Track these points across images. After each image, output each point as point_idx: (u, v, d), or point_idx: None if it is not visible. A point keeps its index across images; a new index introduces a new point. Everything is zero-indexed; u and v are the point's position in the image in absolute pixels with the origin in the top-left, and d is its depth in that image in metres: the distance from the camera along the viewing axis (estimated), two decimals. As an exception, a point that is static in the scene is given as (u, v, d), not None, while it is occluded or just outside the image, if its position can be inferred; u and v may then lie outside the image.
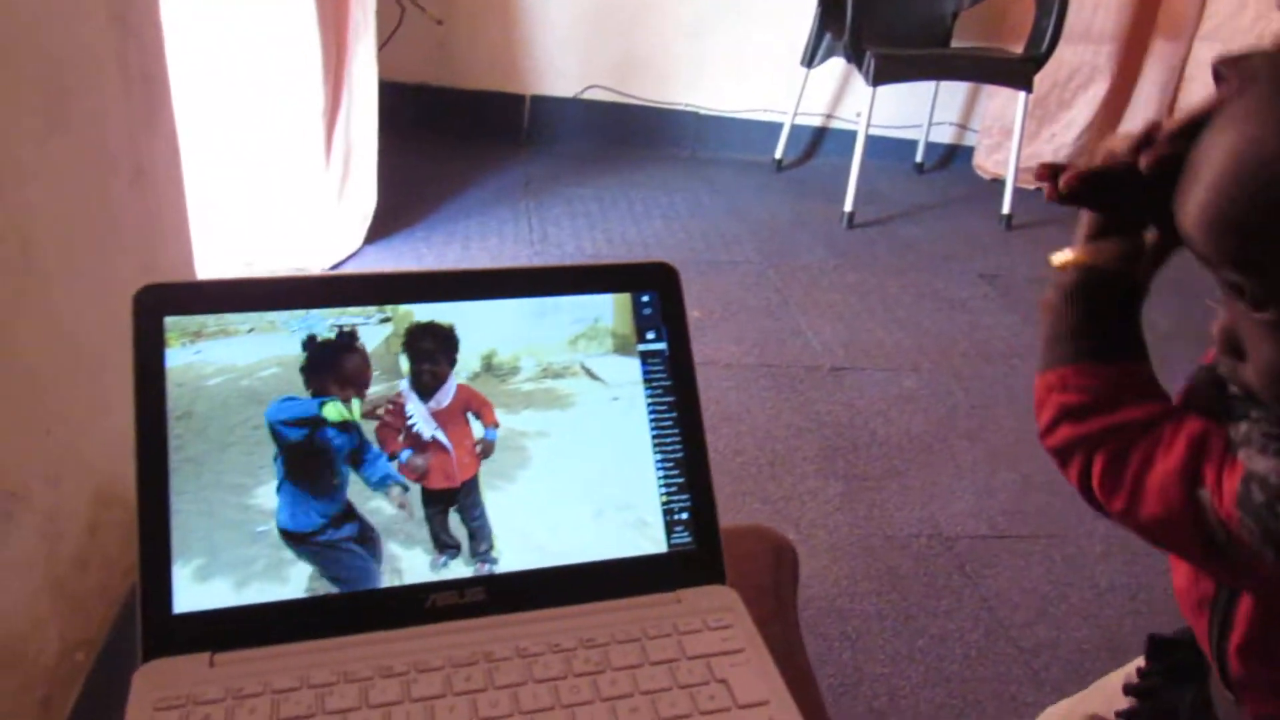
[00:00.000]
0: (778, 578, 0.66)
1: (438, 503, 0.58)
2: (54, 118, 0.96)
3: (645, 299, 0.65)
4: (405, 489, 0.58)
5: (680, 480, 0.63)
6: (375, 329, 0.59)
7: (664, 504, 0.62)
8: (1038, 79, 2.88)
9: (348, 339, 0.58)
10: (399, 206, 2.55)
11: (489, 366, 0.60)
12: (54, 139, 0.96)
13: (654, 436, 0.63)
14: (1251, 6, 3.16)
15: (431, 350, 0.59)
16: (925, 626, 1.37)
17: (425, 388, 0.59)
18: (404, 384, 0.59)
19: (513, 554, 0.59)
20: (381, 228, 2.38)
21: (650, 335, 0.65)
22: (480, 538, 0.59)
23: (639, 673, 0.55)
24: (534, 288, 0.63)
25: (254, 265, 2.09)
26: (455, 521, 0.58)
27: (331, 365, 0.58)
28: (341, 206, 2.22)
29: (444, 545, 0.58)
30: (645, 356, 0.64)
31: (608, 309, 0.63)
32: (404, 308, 0.59)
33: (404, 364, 0.60)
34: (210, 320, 0.57)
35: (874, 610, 1.39)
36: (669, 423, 0.63)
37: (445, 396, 0.59)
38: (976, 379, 2.06)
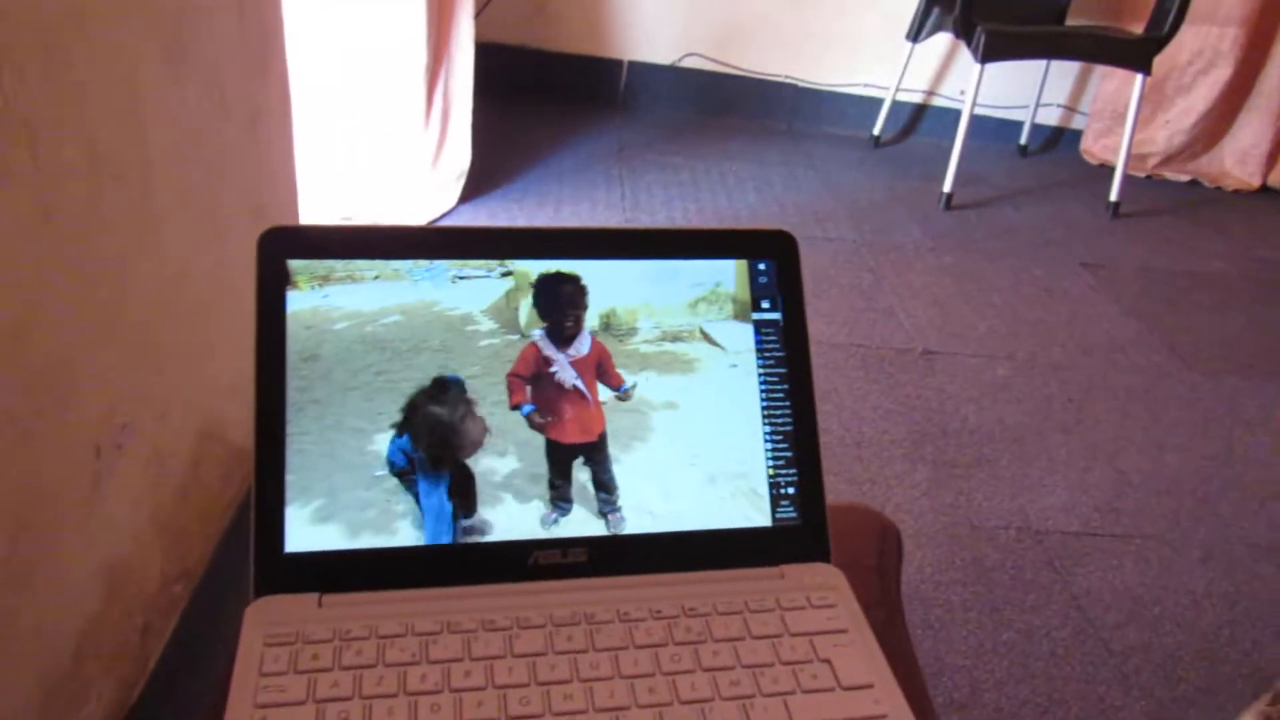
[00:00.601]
0: (882, 560, 0.64)
1: (565, 457, 0.58)
2: (175, 61, 0.97)
3: (762, 267, 0.64)
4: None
5: (788, 454, 0.61)
6: (496, 282, 0.58)
7: (771, 477, 0.61)
8: (1156, 61, 2.76)
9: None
10: (493, 167, 2.56)
11: (607, 325, 0.60)
12: (175, 82, 0.97)
13: (764, 408, 0.62)
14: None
15: (570, 297, 0.59)
16: (1011, 620, 1.34)
17: (563, 338, 0.59)
18: (538, 333, 0.59)
19: (629, 515, 0.58)
20: (475, 188, 2.39)
21: (765, 304, 0.64)
22: (609, 495, 0.58)
23: (740, 645, 0.54)
24: (652, 249, 0.62)
25: (351, 218, 2.12)
26: (582, 479, 0.58)
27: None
28: (438, 165, 2.23)
29: (561, 501, 0.58)
30: (759, 326, 0.63)
31: (729, 274, 0.62)
32: (523, 264, 0.59)
33: (523, 316, 0.59)
34: (338, 265, 0.57)
35: (958, 600, 1.36)
36: (780, 394, 0.62)
37: (583, 346, 0.59)
38: (1074, 370, 2.00)
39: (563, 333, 0.59)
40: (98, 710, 0.89)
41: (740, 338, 0.62)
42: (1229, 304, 2.37)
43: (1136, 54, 2.72)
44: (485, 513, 0.57)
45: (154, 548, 0.98)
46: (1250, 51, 3.10)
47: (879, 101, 3.24)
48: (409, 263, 0.58)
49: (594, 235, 0.62)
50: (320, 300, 0.58)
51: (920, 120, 3.40)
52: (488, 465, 0.57)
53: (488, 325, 0.60)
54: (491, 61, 3.06)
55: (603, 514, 0.59)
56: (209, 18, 1.07)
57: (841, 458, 1.63)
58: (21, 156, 0.70)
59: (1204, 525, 1.58)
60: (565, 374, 0.60)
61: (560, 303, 0.59)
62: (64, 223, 0.76)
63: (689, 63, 3.23)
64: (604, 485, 0.59)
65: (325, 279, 0.58)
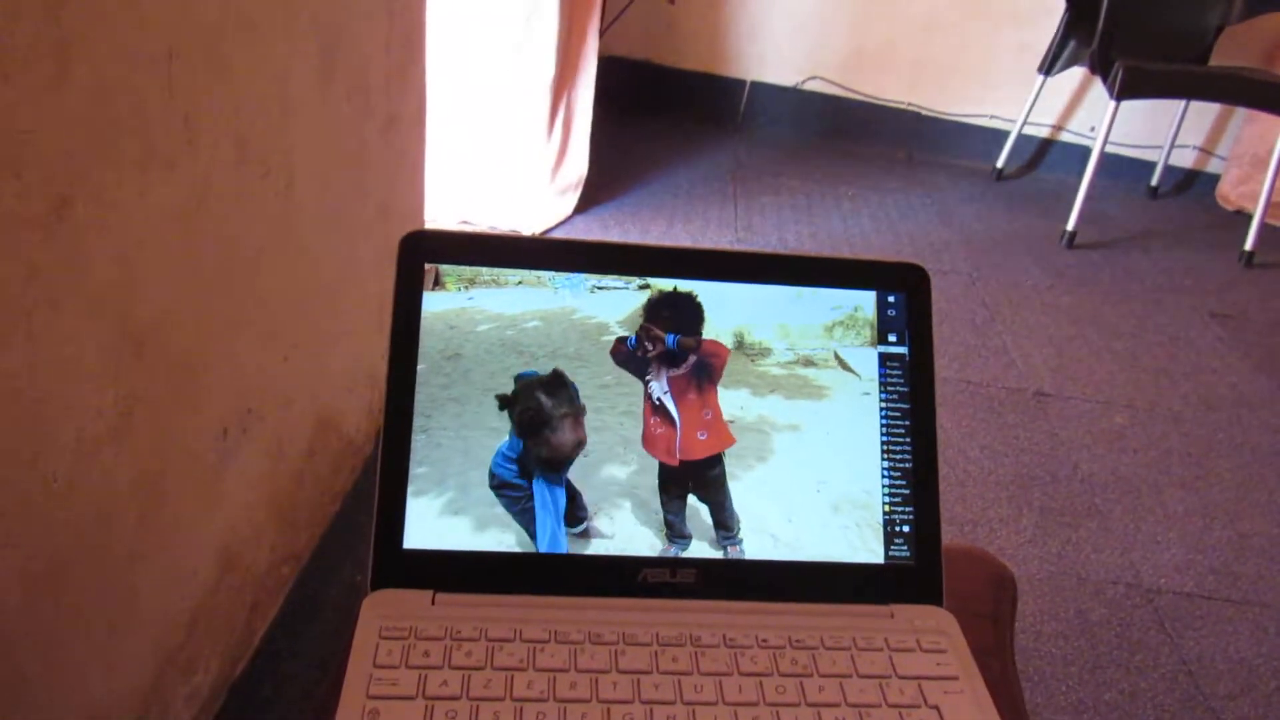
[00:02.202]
0: (997, 608, 0.62)
1: (670, 481, 0.58)
2: (327, 66, 1.01)
3: (891, 299, 0.63)
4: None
5: (906, 491, 0.60)
6: (633, 294, 0.59)
7: (886, 513, 0.60)
8: (1305, 108, 2.63)
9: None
10: (611, 179, 2.59)
11: (740, 345, 0.60)
12: (323, 85, 1.01)
13: (884, 442, 0.61)
14: None
15: (677, 315, 0.60)
16: (1115, 680, 1.29)
17: (669, 356, 0.59)
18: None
19: (749, 536, 0.58)
20: (591, 198, 2.42)
21: (892, 337, 0.63)
22: (728, 530, 0.58)
23: (847, 683, 0.53)
24: (781, 275, 0.62)
25: (470, 223, 2.17)
26: (692, 502, 0.58)
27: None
28: (558, 175, 2.27)
29: (673, 521, 0.58)
30: (885, 359, 0.62)
31: (869, 298, 0.62)
32: (660, 280, 0.60)
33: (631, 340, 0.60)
34: (485, 270, 0.59)
35: (1060, 654, 1.31)
36: (901, 430, 0.61)
37: (682, 367, 0.60)
38: (1197, 425, 1.91)
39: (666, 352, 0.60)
40: (205, 681, 0.92)
41: (876, 365, 0.61)
42: (1371, 367, 2.24)
43: (1284, 98, 2.59)
44: (603, 524, 0.58)
45: (267, 529, 1.01)
46: None
47: (1004, 134, 3.16)
48: (549, 272, 0.59)
49: (724, 257, 0.62)
50: (465, 302, 0.59)
51: (1046, 155, 3.31)
52: (609, 474, 0.58)
53: (621, 335, 0.61)
54: (616, 76, 3.10)
55: (721, 544, 0.58)
56: (362, 25, 1.11)
57: (945, 496, 1.58)
58: (182, 147, 0.73)
59: (1331, 599, 1.49)
60: (655, 386, 0.60)
61: (665, 321, 0.59)
62: (213, 212, 0.80)
63: (811, 86, 3.22)
64: (722, 522, 0.58)
65: (471, 281, 0.60)
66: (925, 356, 0.63)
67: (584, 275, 0.61)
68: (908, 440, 0.61)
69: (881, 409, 0.61)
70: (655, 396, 0.60)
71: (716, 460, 0.59)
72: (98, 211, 0.65)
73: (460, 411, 0.58)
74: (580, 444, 0.58)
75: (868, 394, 0.61)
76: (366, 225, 1.21)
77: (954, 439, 1.75)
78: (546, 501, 0.58)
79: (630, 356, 0.60)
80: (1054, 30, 2.91)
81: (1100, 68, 2.58)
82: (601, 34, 2.99)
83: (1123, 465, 1.75)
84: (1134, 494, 1.67)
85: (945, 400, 1.87)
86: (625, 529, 0.58)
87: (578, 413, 0.58)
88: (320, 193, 1.04)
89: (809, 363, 0.62)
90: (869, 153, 3.23)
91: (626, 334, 0.60)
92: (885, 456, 0.61)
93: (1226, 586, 1.49)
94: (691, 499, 0.59)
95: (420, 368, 0.58)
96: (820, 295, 0.62)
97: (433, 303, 0.59)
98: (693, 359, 0.60)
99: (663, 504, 0.58)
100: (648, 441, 0.59)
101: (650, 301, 0.60)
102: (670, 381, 0.60)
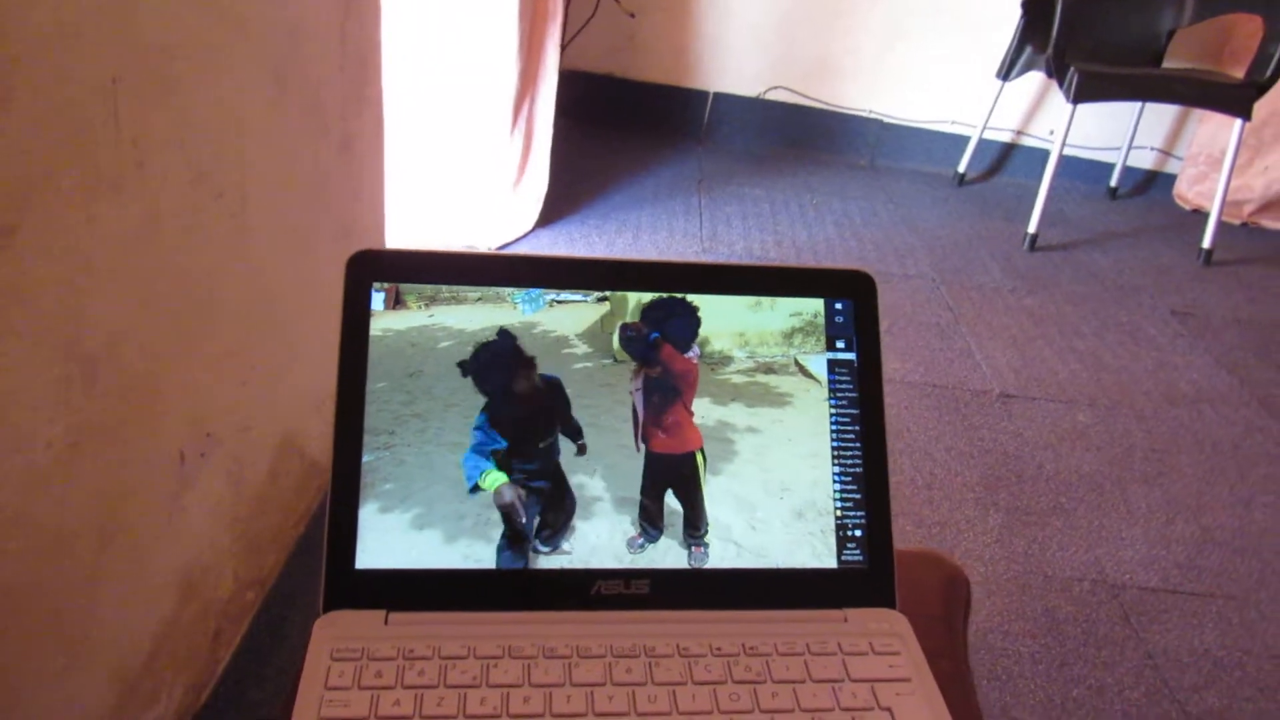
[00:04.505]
0: (950, 609, 0.63)
1: (660, 473, 0.59)
2: (280, 86, 1.01)
3: (839, 306, 0.64)
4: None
5: (857, 496, 0.61)
6: (592, 307, 0.60)
7: (838, 518, 0.60)
8: (1256, 106, 2.68)
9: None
10: (575, 192, 2.60)
11: (700, 354, 0.61)
12: (277, 106, 1.01)
13: (834, 448, 0.61)
14: None
15: (676, 319, 0.61)
16: (1082, 676, 1.30)
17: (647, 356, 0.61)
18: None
19: (714, 544, 0.59)
20: (556, 212, 2.43)
21: (840, 344, 0.63)
22: (696, 529, 0.59)
23: (800, 688, 0.53)
24: (730, 285, 0.63)
25: (431, 240, 2.16)
26: (675, 507, 0.59)
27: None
28: (519, 189, 2.27)
29: (649, 525, 0.58)
30: (833, 365, 0.63)
31: (818, 306, 0.63)
32: (618, 293, 0.61)
33: (617, 340, 0.61)
34: (444, 287, 0.59)
35: (1027, 652, 1.32)
36: (851, 435, 0.62)
37: (656, 368, 0.61)
38: (1159, 421, 1.94)
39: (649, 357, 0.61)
40: (167, 711, 0.92)
41: (825, 372, 0.62)
42: (1327, 359, 2.28)
43: (1236, 99, 2.64)
44: (575, 539, 0.58)
45: (229, 555, 1.01)
46: (1358, 98, 2.99)
47: (965, 139, 3.20)
48: (509, 288, 0.60)
49: (679, 269, 0.63)
50: (426, 319, 0.60)
51: (1007, 159, 3.35)
52: (579, 483, 0.58)
53: (583, 349, 0.61)
54: (578, 89, 3.11)
55: (687, 545, 0.59)
56: (314, 45, 1.11)
57: (911, 499, 1.61)
58: (129, 170, 0.73)
59: (1292, 589, 1.51)
60: (639, 396, 0.61)
61: (667, 323, 0.61)
62: (165, 235, 0.79)
63: (774, 95, 3.24)
64: (692, 522, 0.59)
65: (432, 299, 0.60)
66: (873, 362, 0.64)
67: (542, 290, 0.61)
68: (858, 445, 0.62)
69: (832, 415, 0.62)
70: (640, 404, 0.61)
71: (689, 459, 0.60)
72: (43, 238, 0.64)
73: (424, 428, 0.58)
74: (535, 392, 0.59)
75: (828, 400, 0.62)
76: (326, 245, 1.20)
77: (920, 442, 1.76)
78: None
79: (627, 343, 0.60)
80: (1011, 37, 2.95)
81: (1056, 73, 2.62)
82: (563, 48, 3.01)
83: (1086, 463, 1.77)
84: (1098, 491, 1.69)
85: (911, 403, 1.88)
86: (591, 539, 0.58)
87: (528, 363, 0.59)
88: (277, 214, 1.04)
89: (769, 370, 0.62)
90: (832, 160, 3.26)
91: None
92: (836, 462, 0.61)
93: (1190, 580, 1.51)
94: (669, 499, 0.60)
95: (381, 386, 0.59)
96: (778, 304, 0.63)
97: (394, 321, 0.60)
98: (660, 366, 0.61)
99: (644, 503, 0.59)
100: (645, 439, 0.60)
101: (646, 308, 0.61)
102: (644, 377, 0.61)
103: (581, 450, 0.59)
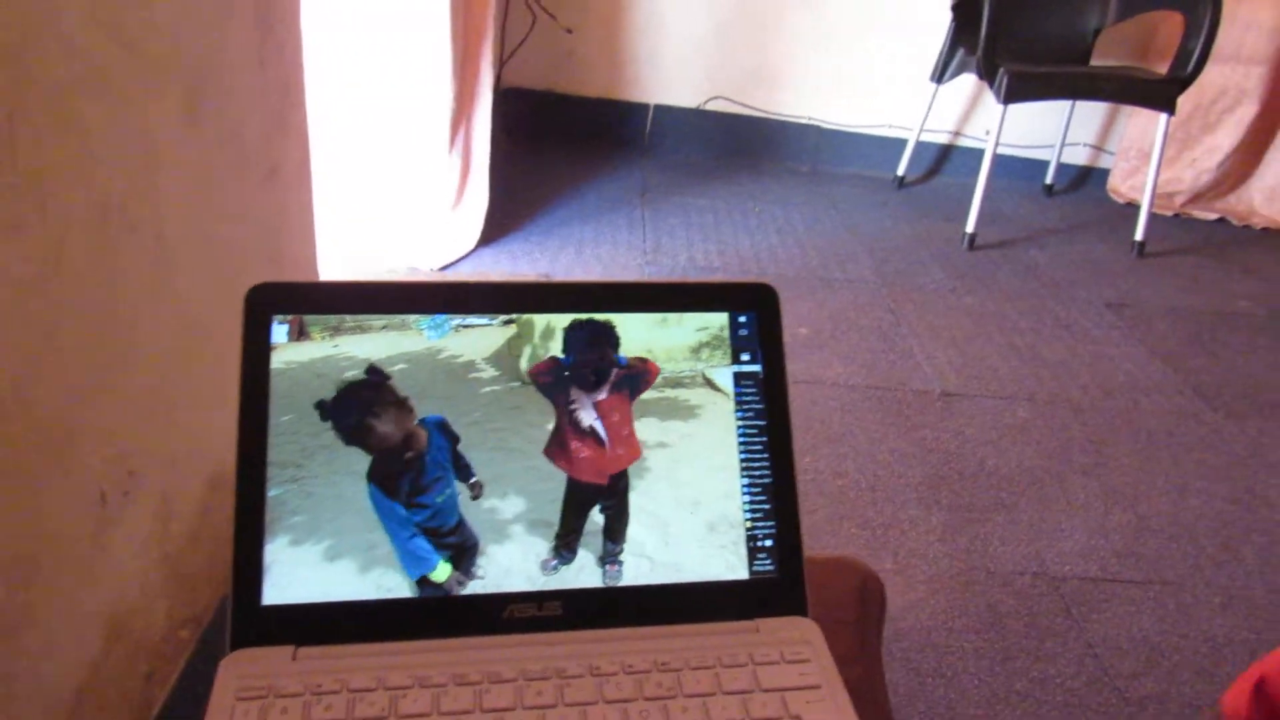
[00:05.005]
0: (863, 613, 0.64)
1: (582, 498, 0.59)
2: (194, 116, 1.00)
3: (743, 319, 0.65)
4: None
5: (766, 506, 0.62)
6: (498, 330, 0.60)
7: (748, 529, 0.61)
8: (1180, 100, 2.75)
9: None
10: (518, 209, 2.60)
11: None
12: (192, 136, 1.00)
13: (742, 460, 0.62)
14: None
15: (594, 342, 0.61)
16: (1025, 669, 1.32)
17: (588, 380, 0.61)
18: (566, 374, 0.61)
19: (628, 561, 0.59)
20: (498, 230, 2.43)
21: (745, 357, 0.64)
22: (615, 544, 0.59)
23: (710, 701, 0.54)
24: (634, 303, 0.63)
25: (374, 263, 2.15)
26: (597, 524, 0.59)
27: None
28: (459, 208, 2.27)
29: (565, 549, 0.58)
30: (739, 378, 0.64)
31: (723, 320, 0.64)
32: (526, 315, 0.61)
33: (524, 363, 0.61)
34: (349, 316, 0.59)
35: (971, 648, 1.34)
36: (759, 446, 0.63)
37: (605, 391, 0.61)
38: (1096, 413, 1.98)
39: (586, 376, 0.61)
40: (101, 754, 0.90)
41: (731, 384, 0.63)
42: (1255, 345, 2.34)
43: (1160, 94, 2.71)
44: (485, 563, 0.58)
45: (160, 594, 0.99)
46: (1275, 89, 3.08)
47: (903, 142, 3.25)
48: (415, 315, 0.60)
49: (585, 289, 0.63)
50: (331, 349, 0.60)
51: (945, 161, 3.40)
52: (491, 506, 0.59)
53: (489, 373, 0.61)
54: (518, 107, 3.12)
55: (603, 562, 0.60)
56: (230, 73, 1.10)
57: (855, 501, 1.62)
58: (29, 210, 0.72)
59: (1225, 570, 1.55)
60: (586, 414, 0.61)
61: (583, 347, 0.61)
62: (71, 273, 0.78)
63: (714, 105, 3.27)
64: (613, 534, 0.60)
65: (336, 329, 0.60)
66: (778, 373, 0.65)
67: (448, 315, 0.61)
68: (766, 455, 0.63)
69: (739, 426, 0.63)
70: (586, 422, 0.61)
71: (622, 475, 0.61)
72: (-62, 285, 0.63)
73: (332, 459, 0.58)
74: (410, 438, 0.58)
75: (735, 412, 0.63)
76: (255, 276, 1.19)
77: (864, 445, 1.78)
78: (413, 542, 0.58)
79: (560, 377, 0.60)
80: (943, 40, 3.00)
81: (986, 74, 2.67)
82: (501, 66, 3.01)
83: (1027, 458, 1.80)
84: (1038, 485, 1.72)
85: (855, 407, 1.90)
86: (503, 562, 0.59)
87: (400, 404, 0.59)
88: (198, 245, 1.03)
89: (678, 384, 0.63)
90: (774, 168, 3.29)
91: (557, 355, 0.61)
92: (744, 474, 0.62)
93: (1129, 568, 1.54)
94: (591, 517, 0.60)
95: (287, 419, 0.58)
96: (685, 319, 0.64)
97: (298, 353, 0.60)
98: (611, 381, 0.61)
99: (565, 523, 0.59)
100: (570, 465, 0.60)
101: (569, 329, 0.61)
102: (597, 405, 0.61)
103: (476, 491, 0.59)
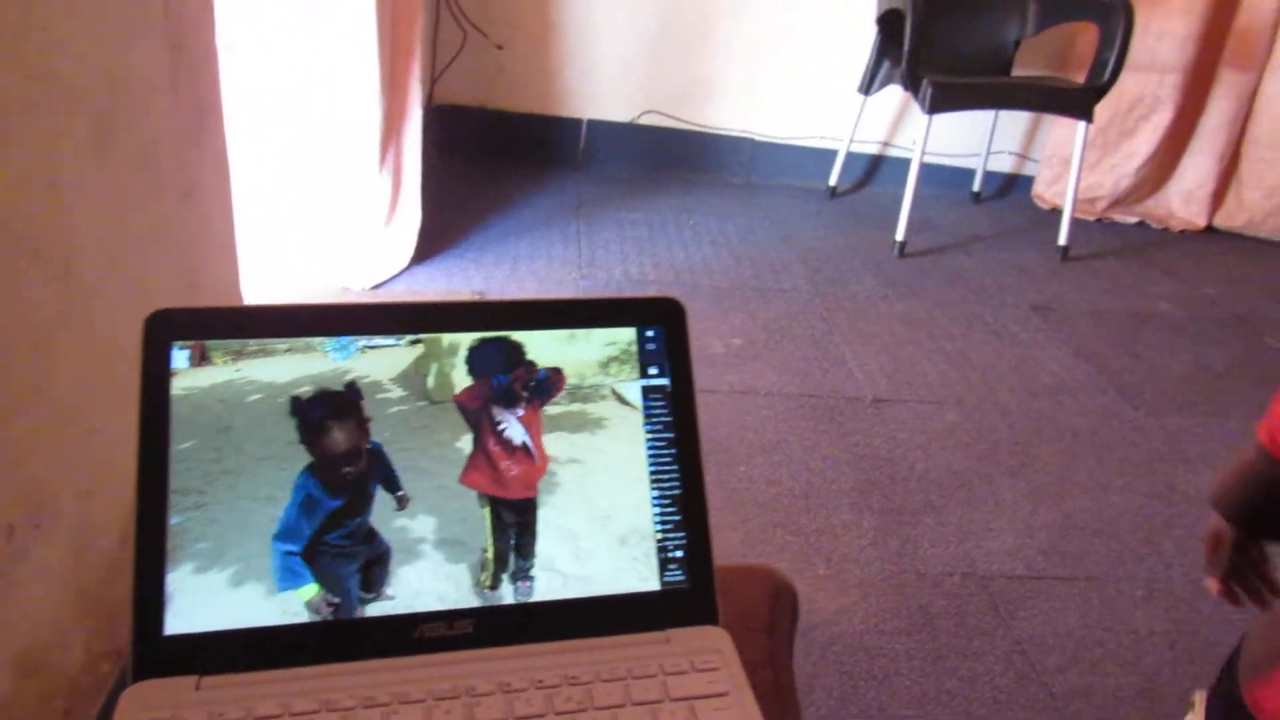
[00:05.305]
0: (774, 619, 0.65)
1: (512, 515, 0.60)
2: (103, 137, 0.99)
3: (650, 334, 0.66)
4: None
5: (677, 517, 0.62)
6: (405, 350, 0.60)
7: (659, 541, 0.62)
8: (1099, 108, 2.83)
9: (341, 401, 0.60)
10: (451, 226, 2.59)
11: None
12: (102, 158, 0.99)
13: (652, 472, 0.63)
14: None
15: (511, 359, 0.62)
16: (955, 668, 1.34)
17: (516, 397, 0.61)
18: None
19: (539, 576, 0.60)
20: (433, 247, 2.42)
21: (653, 370, 0.65)
22: (526, 559, 0.60)
23: (621, 713, 0.54)
24: (542, 321, 0.64)
25: (304, 283, 2.13)
26: (516, 538, 0.60)
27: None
28: (391, 226, 2.26)
29: (502, 562, 0.59)
30: (647, 391, 0.64)
31: (631, 335, 0.65)
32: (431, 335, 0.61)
33: (432, 381, 0.61)
34: (251, 342, 0.59)
35: (903, 649, 1.36)
36: (668, 458, 0.63)
37: (524, 405, 0.62)
38: (1023, 414, 2.02)
39: (518, 393, 0.61)
40: (16, 795, 0.88)
41: (640, 398, 0.64)
42: (1174, 344, 2.41)
43: (1078, 103, 2.79)
44: (395, 583, 0.58)
45: (78, 627, 0.97)
46: (1189, 96, 3.19)
47: (834, 153, 3.30)
48: (319, 337, 0.60)
49: (493, 308, 0.64)
50: (234, 374, 0.59)
51: (876, 171, 3.46)
52: (401, 526, 0.59)
53: (397, 393, 0.61)
54: (451, 123, 3.11)
55: (514, 579, 0.60)
56: (141, 95, 1.09)
57: (789, 509, 1.64)
58: (-75, 244, 0.71)
59: (1146, 564, 1.59)
60: (514, 431, 0.61)
61: (501, 364, 0.61)
62: (-27, 306, 0.77)
63: (647, 120, 3.29)
64: (522, 550, 0.60)
65: (239, 354, 0.60)
66: (686, 385, 0.66)
67: (354, 337, 0.61)
68: (676, 467, 0.63)
69: (648, 439, 0.63)
70: (518, 440, 0.61)
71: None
72: None
73: (235, 483, 0.58)
74: (355, 455, 0.59)
75: (644, 425, 0.63)
76: (171, 300, 1.17)
77: (797, 452, 1.80)
78: (331, 567, 0.58)
79: (492, 397, 0.61)
80: (869, 53, 3.05)
81: (911, 85, 2.73)
82: (433, 83, 3.01)
83: (956, 460, 1.83)
84: (967, 487, 1.76)
85: (788, 415, 1.92)
86: (413, 582, 0.59)
87: (360, 424, 0.59)
88: (111, 271, 1.01)
89: (587, 399, 0.64)
90: (708, 180, 3.32)
91: (487, 377, 0.61)
92: (654, 485, 0.63)
93: (1054, 565, 1.57)
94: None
95: (188, 445, 0.58)
96: (593, 334, 0.65)
97: (199, 378, 0.59)
98: (525, 396, 0.62)
99: (497, 541, 0.60)
100: (500, 485, 0.60)
101: (473, 350, 0.61)
102: (522, 420, 0.61)
103: (402, 504, 0.59)
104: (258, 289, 1.92)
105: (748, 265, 2.65)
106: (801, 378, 2.07)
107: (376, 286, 2.19)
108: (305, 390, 0.59)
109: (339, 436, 0.59)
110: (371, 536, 0.58)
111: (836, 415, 1.94)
